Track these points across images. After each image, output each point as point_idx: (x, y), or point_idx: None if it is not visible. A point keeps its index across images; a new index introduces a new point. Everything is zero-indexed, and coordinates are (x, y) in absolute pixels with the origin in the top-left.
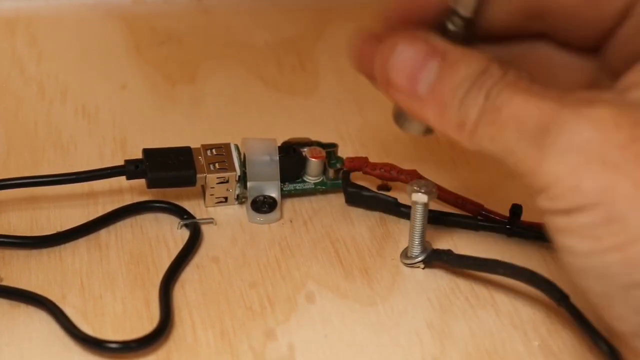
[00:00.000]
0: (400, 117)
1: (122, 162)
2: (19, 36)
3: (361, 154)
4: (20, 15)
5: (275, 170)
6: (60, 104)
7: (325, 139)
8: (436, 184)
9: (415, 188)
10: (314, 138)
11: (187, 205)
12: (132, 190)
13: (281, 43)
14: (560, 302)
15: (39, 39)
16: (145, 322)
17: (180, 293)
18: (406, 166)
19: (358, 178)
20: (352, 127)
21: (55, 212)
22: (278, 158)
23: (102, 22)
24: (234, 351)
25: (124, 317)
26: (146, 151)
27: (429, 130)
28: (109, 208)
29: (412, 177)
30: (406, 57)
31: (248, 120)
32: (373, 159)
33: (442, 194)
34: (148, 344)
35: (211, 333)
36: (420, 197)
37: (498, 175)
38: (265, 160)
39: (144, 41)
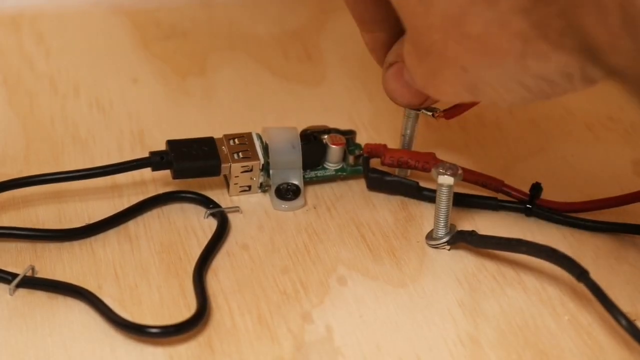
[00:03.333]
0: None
1: (141, 155)
2: (25, 33)
3: (376, 140)
4: (24, 13)
5: (298, 158)
6: (74, 99)
7: (339, 127)
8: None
9: (440, 170)
10: (329, 125)
11: (210, 195)
12: (154, 181)
13: (285, 34)
14: (580, 277)
15: (45, 35)
16: (183, 309)
17: (214, 280)
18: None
19: (376, 164)
20: (364, 114)
21: (81, 205)
22: (300, 146)
23: (105, 17)
24: (273, 335)
25: (161, 304)
26: (170, 142)
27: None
28: (134, 200)
29: (430, 164)
30: (392, 86)
31: (261, 109)
32: (388, 145)
33: (464, 174)
34: (188, 328)
35: (249, 318)
36: (446, 179)
37: (511, 157)
38: (288, 149)
39: (149, 35)
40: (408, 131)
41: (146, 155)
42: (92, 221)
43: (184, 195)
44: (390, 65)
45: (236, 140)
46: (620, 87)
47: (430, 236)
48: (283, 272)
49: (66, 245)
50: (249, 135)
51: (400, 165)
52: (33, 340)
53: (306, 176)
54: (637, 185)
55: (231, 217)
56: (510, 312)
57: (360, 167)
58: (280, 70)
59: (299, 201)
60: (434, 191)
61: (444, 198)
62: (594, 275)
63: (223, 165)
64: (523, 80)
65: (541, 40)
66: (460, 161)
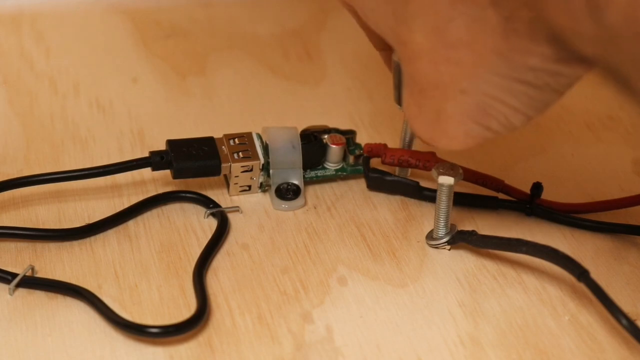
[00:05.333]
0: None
1: (141, 154)
2: (25, 33)
3: (376, 140)
4: (24, 12)
5: (298, 157)
6: (73, 98)
7: (339, 126)
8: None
9: (441, 170)
10: (329, 125)
11: (210, 194)
12: (154, 181)
13: (285, 33)
14: (581, 277)
15: (46, 34)
16: (183, 309)
17: (214, 280)
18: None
19: (377, 164)
20: (364, 113)
21: (81, 204)
22: (300, 146)
23: (105, 16)
24: (274, 334)
25: (161, 304)
26: (170, 142)
27: None
28: (134, 199)
29: (431, 164)
30: None
31: (261, 109)
32: (389, 145)
33: (464, 174)
34: (188, 328)
35: (249, 318)
36: (447, 179)
37: (511, 157)
38: (288, 148)
39: (150, 35)
40: (409, 133)
41: (146, 155)
42: (92, 221)
43: (184, 195)
44: None
45: (236, 140)
46: (599, 77)
47: (430, 236)
48: (283, 272)
49: (66, 245)
50: (249, 135)
51: (401, 164)
52: (33, 340)
53: (306, 176)
54: (637, 184)
55: (231, 216)
56: (510, 312)
57: (361, 167)
58: (280, 70)
59: (299, 201)
60: (435, 191)
61: (444, 198)
62: (594, 275)
63: (223, 165)
64: (522, 77)
65: (516, 34)
66: (461, 161)
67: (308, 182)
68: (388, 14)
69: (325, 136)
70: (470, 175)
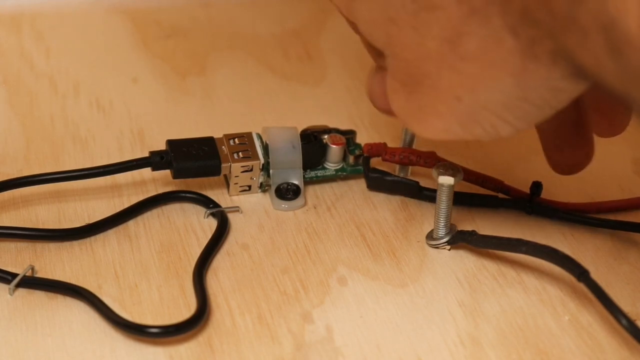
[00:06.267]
0: None
1: (141, 154)
2: (25, 33)
3: (376, 140)
4: (24, 12)
5: (298, 157)
6: (73, 98)
7: (339, 126)
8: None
9: (441, 170)
10: (329, 125)
11: (210, 194)
12: (154, 181)
13: (285, 33)
14: (580, 277)
15: (46, 34)
16: (183, 309)
17: (214, 280)
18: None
19: (377, 164)
20: (364, 113)
21: (81, 204)
22: (300, 146)
23: (105, 16)
24: (274, 334)
25: (161, 304)
26: (170, 142)
27: None
28: (133, 199)
29: (431, 161)
30: (378, 90)
31: (261, 109)
32: (389, 144)
33: (464, 173)
34: (188, 328)
35: (249, 318)
36: (447, 180)
37: (511, 156)
38: (288, 148)
39: (150, 35)
40: (409, 132)
41: (146, 155)
42: (92, 221)
43: (184, 195)
44: (380, 68)
45: (236, 140)
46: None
47: (430, 236)
48: (283, 271)
49: (66, 245)
50: (249, 135)
51: (401, 160)
52: (33, 340)
53: (306, 176)
54: (637, 184)
55: (231, 216)
56: (510, 312)
57: (361, 167)
58: (280, 70)
59: (299, 201)
60: (435, 191)
61: (444, 198)
62: (594, 275)
63: (223, 165)
64: (525, 95)
65: (535, 60)
66: (461, 161)
67: (308, 182)
68: (384, 21)
69: (325, 136)
70: (470, 175)
